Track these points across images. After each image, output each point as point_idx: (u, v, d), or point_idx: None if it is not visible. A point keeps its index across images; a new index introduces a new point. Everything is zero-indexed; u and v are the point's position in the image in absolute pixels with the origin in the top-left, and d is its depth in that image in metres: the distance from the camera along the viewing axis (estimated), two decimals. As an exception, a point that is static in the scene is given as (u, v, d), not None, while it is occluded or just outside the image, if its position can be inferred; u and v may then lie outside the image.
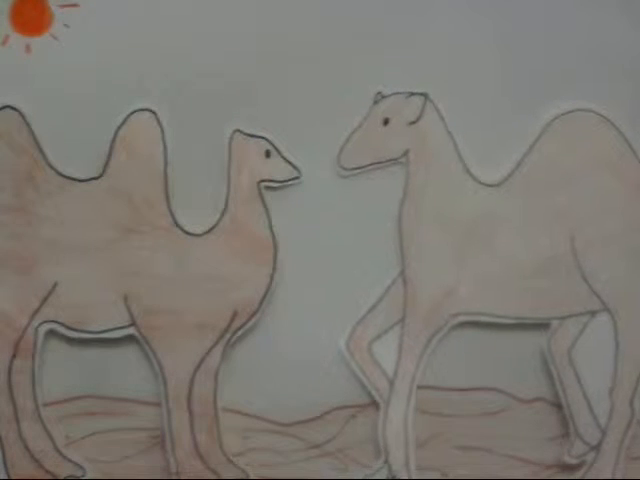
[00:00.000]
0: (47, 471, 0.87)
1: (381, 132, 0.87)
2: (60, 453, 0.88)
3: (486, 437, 0.90)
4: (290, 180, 0.86)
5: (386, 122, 0.87)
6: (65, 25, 0.87)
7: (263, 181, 0.86)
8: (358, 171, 0.88)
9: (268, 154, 0.86)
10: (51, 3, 0.87)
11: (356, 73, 0.87)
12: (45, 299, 0.86)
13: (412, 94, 0.87)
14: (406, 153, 0.88)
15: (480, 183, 0.87)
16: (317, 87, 0.88)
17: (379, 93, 0.87)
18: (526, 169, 0.87)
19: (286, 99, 0.88)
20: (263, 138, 0.86)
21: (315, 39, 0.88)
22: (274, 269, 0.86)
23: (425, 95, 0.87)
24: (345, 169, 0.87)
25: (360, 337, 0.88)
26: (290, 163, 0.86)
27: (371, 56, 0.87)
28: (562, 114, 0.87)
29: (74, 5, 0.87)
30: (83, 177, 0.86)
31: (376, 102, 0.87)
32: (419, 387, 0.89)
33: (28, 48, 0.87)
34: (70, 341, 0.88)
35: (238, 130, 0.86)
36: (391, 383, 0.88)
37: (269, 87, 0.87)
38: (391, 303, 0.88)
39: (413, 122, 0.87)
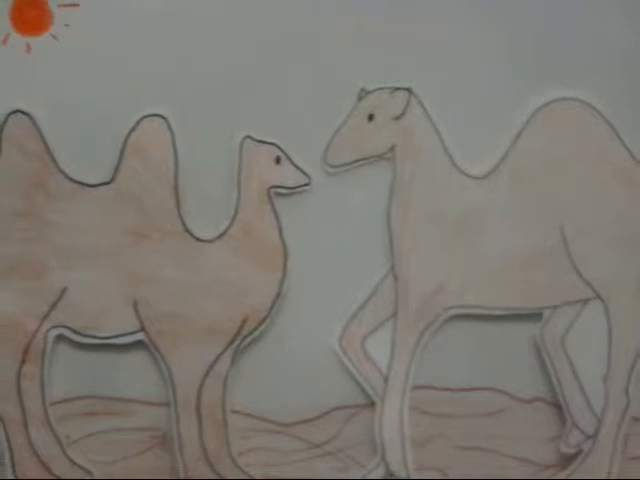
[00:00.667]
0: (55, 475, 0.87)
1: (366, 128, 0.87)
2: (68, 457, 0.88)
3: (486, 437, 0.91)
4: (300, 186, 0.87)
5: (371, 118, 0.87)
6: (65, 25, 0.86)
7: (273, 187, 0.87)
8: (345, 168, 0.88)
9: (278, 160, 0.86)
10: (51, 3, 0.86)
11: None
12: (54, 304, 0.85)
13: (396, 89, 0.87)
14: (392, 148, 0.88)
15: (467, 176, 0.88)
16: (317, 90, 0.88)
17: (363, 89, 0.87)
18: (513, 160, 0.88)
19: (285, 102, 0.88)
20: (273, 144, 0.86)
21: (311, 42, 0.88)
22: (284, 275, 0.86)
23: (409, 90, 0.87)
24: (331, 166, 0.87)
25: (353, 334, 0.89)
26: (300, 169, 0.86)
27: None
28: (546, 103, 0.87)
29: (74, 5, 0.86)
30: (93, 182, 0.86)
31: (360, 98, 0.87)
32: (419, 387, 0.90)
33: (28, 48, 0.86)
34: (74, 344, 0.88)
35: (249, 136, 0.86)
36: (385, 379, 0.89)
37: (271, 90, 0.87)
38: (383, 299, 0.89)
39: (398, 117, 0.87)
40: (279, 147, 0.86)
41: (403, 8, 0.88)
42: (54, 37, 0.86)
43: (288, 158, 0.86)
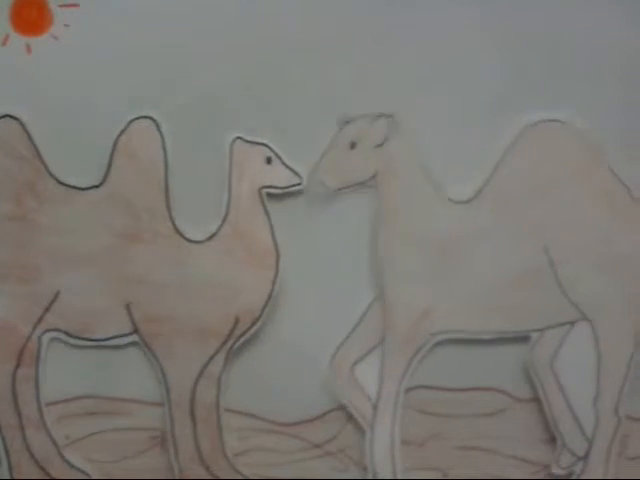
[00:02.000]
0: (52, 478, 0.88)
1: (348, 156, 0.87)
2: (65, 460, 0.88)
3: (486, 437, 0.90)
4: (291, 186, 0.86)
5: (353, 146, 0.87)
6: (65, 25, 0.87)
7: (264, 187, 0.86)
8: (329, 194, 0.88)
9: (269, 161, 0.86)
10: (51, 3, 0.87)
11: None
12: (48, 308, 0.86)
13: (378, 116, 0.87)
14: (375, 176, 0.87)
15: (451, 201, 0.87)
16: (317, 96, 0.88)
17: (344, 116, 0.87)
18: (497, 183, 0.87)
19: (277, 104, 0.88)
20: (264, 145, 0.86)
21: (315, 47, 0.88)
22: (276, 275, 0.86)
23: (391, 117, 0.86)
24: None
25: (342, 360, 0.89)
26: (291, 169, 0.86)
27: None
28: (530, 125, 0.86)
29: (74, 5, 0.86)
30: (84, 185, 0.86)
31: (341, 126, 0.87)
32: (419, 387, 0.89)
33: (28, 48, 0.86)
34: (70, 345, 0.88)
35: (239, 137, 0.86)
36: (374, 407, 0.88)
37: (268, 94, 0.87)
38: (371, 325, 0.88)
39: (380, 144, 0.87)
40: (270, 147, 0.86)
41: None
42: (54, 37, 0.87)
43: (279, 158, 0.86)
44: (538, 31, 0.88)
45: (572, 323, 0.88)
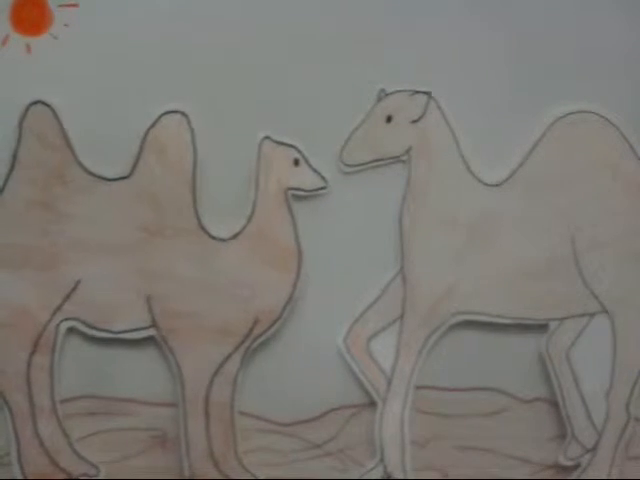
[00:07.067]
0: (61, 469, 0.87)
1: (384, 129, 0.87)
2: (75, 451, 0.88)
3: (486, 437, 0.92)
4: (317, 189, 0.87)
5: (389, 119, 0.87)
6: (65, 25, 0.86)
7: (291, 189, 0.86)
8: (360, 167, 0.88)
9: (297, 162, 0.86)
10: (51, 3, 0.86)
11: (360, 71, 0.87)
12: (67, 296, 0.85)
13: (416, 92, 0.87)
14: (408, 151, 0.88)
15: (482, 182, 0.88)
16: (323, 87, 0.88)
17: (382, 90, 0.87)
18: (528, 169, 0.88)
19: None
20: (292, 146, 0.86)
21: (325, 39, 0.88)
22: (297, 277, 0.86)
23: (428, 94, 0.87)
24: (347, 165, 0.88)
25: (358, 335, 0.89)
26: (318, 173, 0.86)
27: (375, 54, 0.88)
28: (564, 115, 0.88)
29: (74, 5, 0.85)
30: (112, 176, 0.85)
31: (379, 99, 0.87)
32: (420, 387, 0.90)
33: (28, 48, 0.85)
34: (81, 338, 0.88)
35: (268, 137, 0.86)
36: (388, 381, 0.89)
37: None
38: (390, 301, 0.89)
39: (416, 120, 0.88)
40: (298, 149, 0.86)
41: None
42: (54, 37, 0.86)
43: (306, 161, 0.86)
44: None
45: (591, 315, 0.90)
